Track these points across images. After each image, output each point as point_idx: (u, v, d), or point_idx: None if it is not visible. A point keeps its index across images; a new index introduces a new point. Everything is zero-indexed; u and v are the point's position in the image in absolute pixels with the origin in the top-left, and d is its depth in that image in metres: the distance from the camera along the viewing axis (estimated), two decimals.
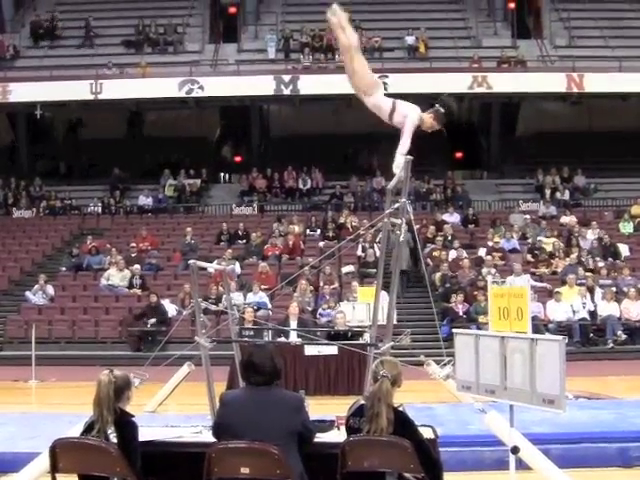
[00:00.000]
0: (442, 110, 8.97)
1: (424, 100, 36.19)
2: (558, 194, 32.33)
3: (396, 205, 8.42)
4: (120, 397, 6.46)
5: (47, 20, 36.24)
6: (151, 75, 32.56)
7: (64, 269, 28.15)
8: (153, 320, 23.69)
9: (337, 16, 8.81)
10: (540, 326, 21.65)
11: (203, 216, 32.93)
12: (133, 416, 6.53)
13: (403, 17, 36.07)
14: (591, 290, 24.33)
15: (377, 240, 25.54)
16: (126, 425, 6.42)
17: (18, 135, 36.28)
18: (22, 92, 31.75)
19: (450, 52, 34.13)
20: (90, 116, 35.35)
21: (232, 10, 38.56)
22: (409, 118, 8.72)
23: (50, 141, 37.11)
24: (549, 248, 27.18)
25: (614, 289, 24.32)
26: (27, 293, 26.10)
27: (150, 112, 37.18)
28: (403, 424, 6.21)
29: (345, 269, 26.46)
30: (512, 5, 37.26)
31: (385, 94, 8.94)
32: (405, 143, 8.66)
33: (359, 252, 27.15)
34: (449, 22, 36.63)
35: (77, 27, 36.40)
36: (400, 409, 6.31)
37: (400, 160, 8.52)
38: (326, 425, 7.35)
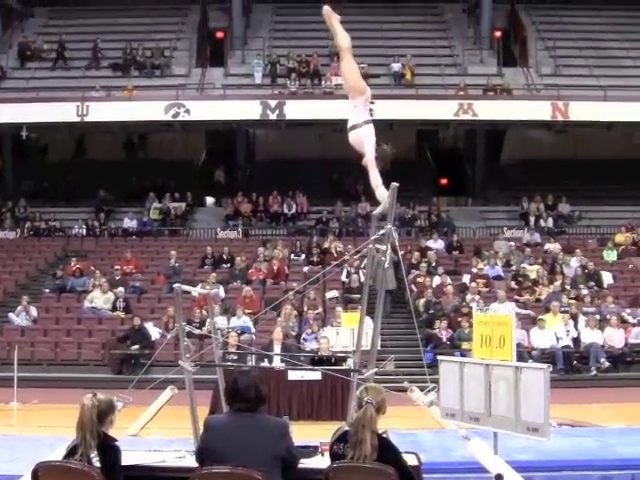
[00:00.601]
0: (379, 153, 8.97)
1: (410, 126, 36.49)
2: (542, 222, 32.43)
3: (382, 231, 8.42)
4: (103, 421, 6.43)
5: (34, 42, 36.33)
6: (138, 98, 32.56)
7: (47, 291, 28.03)
8: (136, 346, 23.58)
9: (327, 19, 8.95)
10: (524, 353, 21.67)
11: (188, 239, 32.86)
12: (116, 440, 6.50)
13: (390, 44, 36.23)
14: (574, 318, 24.37)
15: (362, 266, 25.55)
16: (109, 449, 6.38)
17: (4, 156, 36.22)
18: (8, 113, 31.70)
19: (436, 79, 34.29)
20: (75, 139, 35.35)
21: (219, 35, 38.71)
22: (368, 149, 8.79)
23: (35, 162, 37.09)
24: (533, 275, 27.24)
25: (597, 317, 24.38)
26: (10, 314, 25.95)
27: (137, 135, 37.23)
28: (387, 451, 6.19)
29: (329, 294, 26.43)
30: (498, 33, 37.53)
31: (370, 120, 9.00)
32: (375, 176, 8.73)
33: (343, 277, 27.14)
34: (435, 49, 36.83)
35: (67, 49, 36.41)
36: (384, 435, 6.30)
37: (382, 191, 8.56)
38: (310, 451, 7.33)
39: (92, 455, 6.27)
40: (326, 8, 9.20)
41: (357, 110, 9.05)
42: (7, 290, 28.63)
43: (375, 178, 8.76)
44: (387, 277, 9.30)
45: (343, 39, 9.13)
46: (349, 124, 9.05)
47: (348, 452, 6.17)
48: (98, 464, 6.25)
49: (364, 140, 8.87)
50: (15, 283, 29.15)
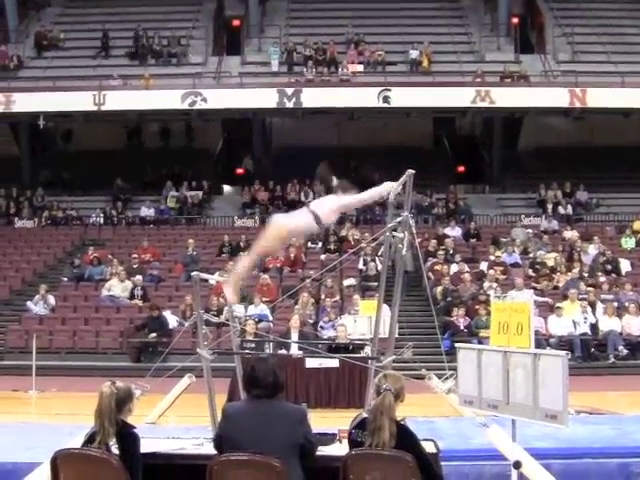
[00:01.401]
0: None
1: (426, 114, 36.28)
2: (560, 209, 32.32)
3: (398, 219, 8.40)
4: (122, 409, 6.44)
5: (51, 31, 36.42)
6: (154, 87, 32.58)
7: (65, 279, 28.11)
8: (153, 334, 23.63)
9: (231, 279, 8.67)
10: (542, 341, 21.61)
11: (205, 228, 32.94)
12: (135, 428, 6.51)
13: (407, 31, 36.12)
14: (592, 305, 24.27)
15: (379, 253, 25.51)
16: (128, 437, 6.40)
17: (21, 145, 36.35)
18: (25, 102, 31.82)
19: (453, 66, 34.16)
20: (92, 127, 35.37)
21: (236, 23, 38.70)
22: (338, 202, 8.54)
23: (53, 151, 37.22)
24: (550, 263, 27.16)
25: (615, 304, 24.28)
26: (28, 303, 26.06)
27: (153, 124, 37.28)
28: (405, 438, 6.20)
29: (347, 282, 26.40)
30: (515, 20, 37.37)
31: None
32: (367, 193, 8.59)
33: (360, 265, 27.13)
34: (452, 36, 36.70)
35: (82, 38, 36.49)
36: (402, 423, 6.30)
37: (387, 185, 8.48)
38: (328, 438, 7.34)
39: (111, 443, 6.30)
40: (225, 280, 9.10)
41: (298, 224, 8.48)
42: (25, 279, 28.75)
43: (368, 193, 8.62)
44: (406, 259, 9.23)
45: (253, 255, 8.70)
46: (315, 225, 8.45)
47: (366, 439, 6.18)
48: (117, 451, 6.28)
49: (328, 207, 8.50)
50: (33, 272, 29.25)
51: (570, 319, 23.53)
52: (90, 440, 6.36)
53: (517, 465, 7.82)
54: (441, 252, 27.59)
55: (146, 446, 6.84)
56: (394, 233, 8.46)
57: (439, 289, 25.48)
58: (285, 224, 8.43)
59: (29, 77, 34.12)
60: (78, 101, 31.70)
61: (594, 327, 23.68)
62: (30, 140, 36.21)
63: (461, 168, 37.66)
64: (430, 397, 13.91)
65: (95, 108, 31.69)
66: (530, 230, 30.10)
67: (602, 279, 26.10)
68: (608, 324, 23.60)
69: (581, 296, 24.59)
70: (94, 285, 27.36)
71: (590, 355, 23.23)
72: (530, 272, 26.83)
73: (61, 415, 15.83)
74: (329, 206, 8.53)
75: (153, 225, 32.85)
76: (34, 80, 33.38)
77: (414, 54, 34.62)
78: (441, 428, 11.99)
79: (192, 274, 9.85)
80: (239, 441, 6.17)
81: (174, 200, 33.67)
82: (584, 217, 32.54)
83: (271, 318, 23.86)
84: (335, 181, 8.78)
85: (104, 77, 32.78)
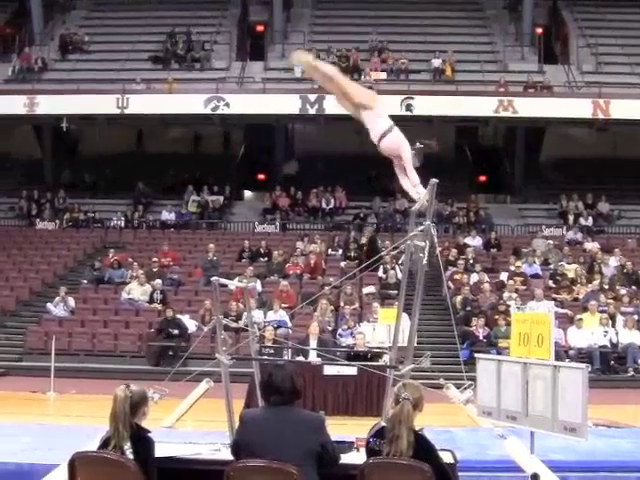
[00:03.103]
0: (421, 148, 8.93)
1: (449, 122, 36.22)
2: (581, 220, 32.22)
3: (421, 227, 8.38)
4: (136, 412, 6.43)
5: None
6: (177, 91, 32.69)
7: (85, 282, 28.20)
8: (174, 335, 23.66)
9: (302, 62, 8.90)
10: (561, 352, 21.53)
11: (225, 233, 32.99)
12: (149, 432, 6.50)
13: (430, 40, 36.12)
14: (612, 317, 24.17)
15: (400, 262, 25.49)
16: (142, 441, 6.39)
17: (44, 147, 36.53)
18: (49, 105, 32.00)
19: (476, 75, 34.13)
20: (114, 130, 35.52)
21: (260, 28, 38.81)
22: (405, 150, 8.76)
23: (75, 154, 37.38)
24: (571, 274, 27.06)
25: (636, 317, 24.17)
26: (48, 305, 26.15)
27: (174, 128, 37.37)
28: (423, 448, 6.17)
29: (366, 290, 26.38)
30: (539, 30, 37.34)
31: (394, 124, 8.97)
32: (413, 175, 8.71)
33: (380, 273, 27.10)
34: (476, 45, 36.64)
35: (106, 42, 36.64)
36: (420, 432, 6.28)
37: (421, 189, 8.56)
38: (345, 446, 7.32)
39: (125, 447, 6.29)
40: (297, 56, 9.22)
41: (378, 119, 9.00)
42: (45, 280, 28.86)
43: (413, 177, 8.74)
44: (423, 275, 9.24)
45: (327, 66, 9.09)
46: (376, 134, 8.97)
47: (384, 448, 6.16)
48: (131, 455, 6.27)
49: (400, 143, 8.83)
50: (53, 274, 29.37)
51: (590, 331, 23.44)
52: (105, 444, 6.36)
53: (535, 478, 7.78)
54: (461, 261, 27.56)
55: (163, 450, 6.84)
56: (415, 242, 8.43)
57: (459, 298, 25.42)
58: (374, 100, 9.13)
59: (53, 80, 34.29)
60: (101, 104, 31.87)
61: (614, 340, 23.56)
62: (53, 142, 36.38)
63: (483, 178, 37.61)
64: (448, 407, 13.83)
65: (118, 111, 31.82)
66: (551, 241, 30.01)
67: (622, 291, 26.00)
68: (628, 337, 23.50)
69: (601, 308, 24.49)
70: (114, 288, 27.44)
71: (609, 368, 23.12)
72: (550, 283, 26.75)
73: (79, 417, 15.87)
74: (399, 140, 8.90)
75: (174, 229, 32.93)
76: (58, 83, 33.56)
77: (437, 62, 34.60)
78: (459, 438, 11.94)
79: (212, 279, 9.82)
80: (256, 447, 6.16)
81: (195, 205, 33.76)
82: (605, 229, 32.42)
83: (290, 324, 23.87)
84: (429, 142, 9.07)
85: (127, 81, 32.87)
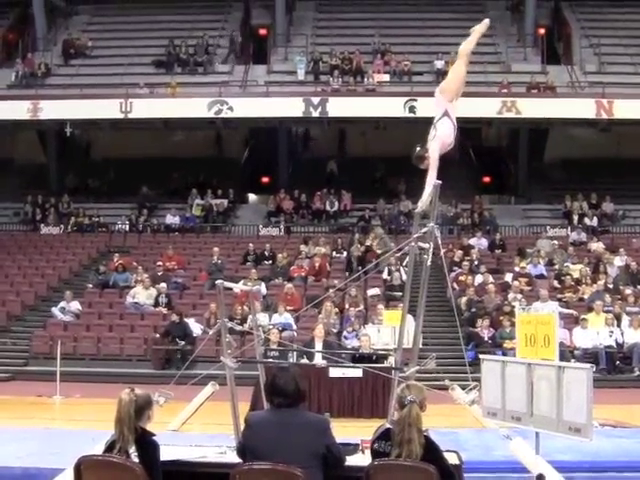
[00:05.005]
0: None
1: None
2: (586, 220, 32.19)
3: (424, 229, 8.40)
4: (141, 416, 6.44)
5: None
6: (181, 95, 32.71)
7: (90, 286, 28.21)
8: (180, 342, 23.66)
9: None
10: (566, 353, 21.51)
11: (230, 236, 33.00)
12: (154, 435, 6.51)
13: (433, 41, 36.06)
14: (618, 317, 24.15)
15: (404, 264, 25.49)
16: (147, 444, 6.40)
17: (48, 152, 36.58)
18: (52, 110, 32.01)
19: (479, 77, 34.03)
20: (118, 134, 35.55)
21: (262, 32, 38.82)
22: (434, 150, 8.88)
23: (79, 158, 37.40)
24: (576, 274, 27.03)
25: None
26: (53, 309, 26.19)
27: (178, 132, 37.39)
28: (430, 449, 6.17)
29: (371, 292, 26.39)
30: (542, 31, 37.29)
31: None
32: (433, 175, 8.80)
33: (385, 275, 27.10)
34: (479, 47, 35.98)
35: (109, 46, 36.66)
36: (426, 434, 6.28)
37: (429, 190, 8.62)
38: (350, 448, 7.32)
39: (130, 450, 6.30)
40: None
41: (437, 109, 9.23)
42: (50, 285, 28.89)
43: (431, 176, 8.81)
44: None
45: (466, 45, 9.50)
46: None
47: (392, 450, 6.14)
48: (136, 459, 6.28)
49: (430, 139, 8.99)
50: (58, 278, 29.40)
51: (595, 331, 23.42)
52: (110, 448, 6.38)
53: (540, 478, 7.78)
54: (466, 263, 27.54)
55: (169, 454, 6.85)
56: (420, 243, 8.45)
57: (463, 300, 25.41)
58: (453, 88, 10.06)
59: (56, 85, 34.31)
60: (105, 109, 31.87)
61: (619, 340, 23.54)
62: (57, 147, 36.43)
63: (487, 179, 37.58)
64: (453, 408, 13.85)
65: (122, 116, 31.84)
66: (556, 241, 29.99)
67: (628, 291, 25.95)
68: (633, 337, 23.46)
69: (606, 308, 24.46)
70: (119, 292, 27.46)
71: (615, 368, 23.10)
72: (555, 284, 26.74)
73: (85, 421, 15.88)
74: (448, 132, 9.67)
75: (178, 233, 32.92)
76: (61, 88, 33.58)
77: (440, 64, 34.51)
78: (464, 439, 11.94)
79: (216, 282, 9.84)
80: (261, 450, 6.17)
81: (199, 208, 33.78)
82: (610, 229, 32.38)
83: (295, 327, 23.87)
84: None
85: (131, 85, 32.89)
